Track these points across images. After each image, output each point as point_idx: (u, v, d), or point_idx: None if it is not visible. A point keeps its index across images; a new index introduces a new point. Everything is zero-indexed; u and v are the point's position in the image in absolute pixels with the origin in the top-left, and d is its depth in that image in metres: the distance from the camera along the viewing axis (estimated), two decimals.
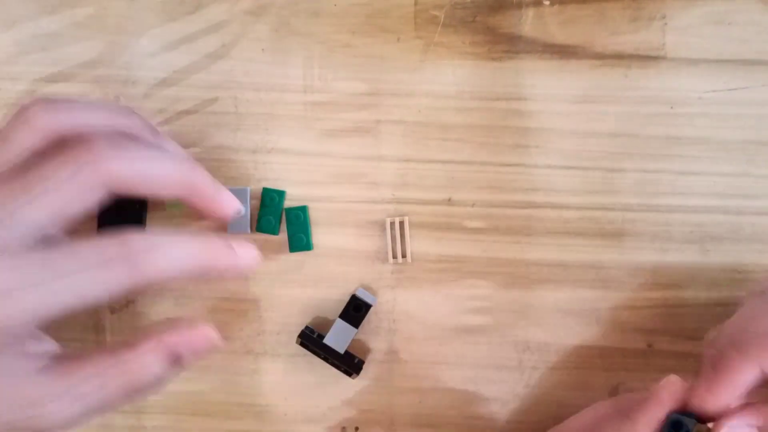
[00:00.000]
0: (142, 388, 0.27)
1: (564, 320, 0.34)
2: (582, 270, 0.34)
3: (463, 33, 0.33)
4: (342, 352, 0.33)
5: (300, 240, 0.34)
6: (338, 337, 0.33)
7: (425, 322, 0.34)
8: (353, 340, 0.33)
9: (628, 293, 0.33)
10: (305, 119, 0.34)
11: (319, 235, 0.34)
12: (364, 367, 0.34)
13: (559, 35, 0.33)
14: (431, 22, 0.34)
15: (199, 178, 0.28)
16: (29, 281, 0.24)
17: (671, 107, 0.33)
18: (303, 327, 0.34)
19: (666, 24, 0.33)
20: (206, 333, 0.28)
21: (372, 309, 0.34)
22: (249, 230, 0.34)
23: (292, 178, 0.34)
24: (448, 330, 0.34)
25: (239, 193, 0.34)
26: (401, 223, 0.33)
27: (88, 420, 0.26)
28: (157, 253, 0.25)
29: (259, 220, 0.34)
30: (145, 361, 0.27)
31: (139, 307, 0.34)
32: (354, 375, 0.33)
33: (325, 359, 0.33)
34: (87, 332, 0.34)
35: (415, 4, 0.34)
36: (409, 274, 0.34)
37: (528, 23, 0.33)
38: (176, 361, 0.27)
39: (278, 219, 0.34)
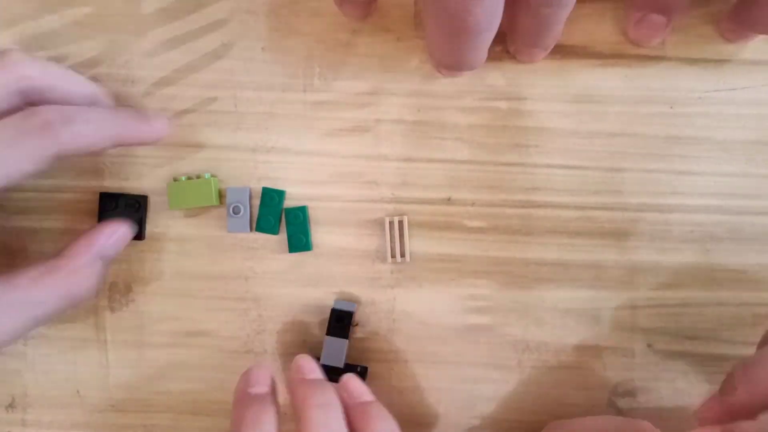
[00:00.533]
0: (80, 296, 0.30)
1: (563, 320, 0.34)
2: (582, 269, 0.34)
3: None
4: (342, 366, 0.33)
5: (299, 240, 0.34)
6: (333, 354, 0.33)
7: (425, 322, 0.34)
8: (352, 346, 0.33)
9: (628, 293, 0.33)
10: (305, 118, 0.34)
11: (319, 235, 0.34)
12: (364, 364, 0.34)
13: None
14: None
15: (127, 121, 0.31)
16: None
17: (671, 107, 0.33)
18: (300, 334, 0.34)
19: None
20: (125, 230, 0.32)
21: (371, 309, 0.34)
22: (249, 230, 0.34)
23: (292, 177, 0.34)
24: (447, 329, 0.34)
25: (239, 193, 0.34)
26: (400, 223, 0.33)
27: (29, 331, 0.28)
28: (73, 123, 0.28)
29: (258, 220, 0.34)
30: (83, 272, 0.30)
31: (140, 306, 0.34)
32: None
33: (329, 379, 0.33)
34: (88, 330, 0.35)
35: (415, 3, 0.34)
36: (408, 274, 0.34)
37: None
38: (104, 262, 0.31)
39: (278, 219, 0.34)
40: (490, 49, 0.31)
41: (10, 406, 0.35)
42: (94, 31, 0.34)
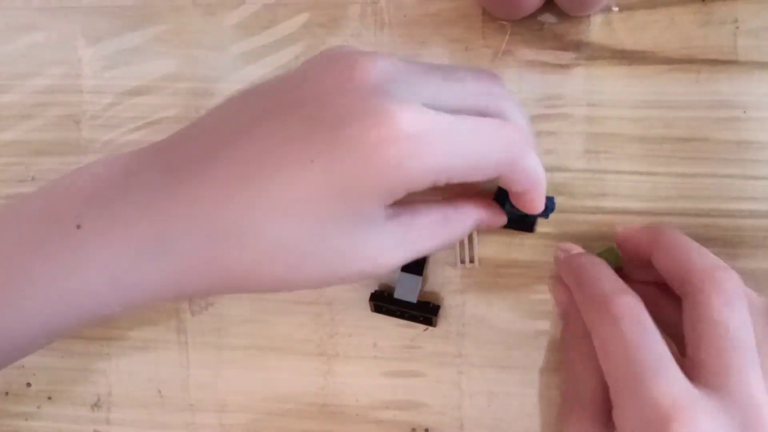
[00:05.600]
0: (450, 245, 0.30)
1: None
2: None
3: (531, 41, 0.34)
4: (414, 301, 0.34)
5: None
6: (407, 289, 0.34)
7: (495, 326, 0.34)
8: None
9: None
10: None
11: None
12: (435, 370, 0.34)
13: (628, 41, 0.33)
14: (499, 31, 0.34)
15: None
16: (438, 138, 0.25)
17: (744, 111, 0.33)
18: (371, 337, 0.35)
19: (738, 27, 0.33)
20: (501, 217, 0.31)
21: (441, 312, 0.34)
22: None
23: None
24: (517, 334, 0.34)
25: None
26: None
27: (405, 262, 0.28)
28: (529, 155, 0.28)
29: None
30: (464, 222, 0.30)
31: (218, 309, 0.36)
32: (434, 320, 0.34)
33: (401, 315, 0.34)
34: (169, 333, 0.36)
35: (483, 13, 0.34)
36: (477, 279, 0.34)
37: (596, 30, 0.34)
38: (477, 227, 0.31)
39: None
40: (557, 54, 0.32)
41: (96, 405, 0.37)
42: (174, 47, 0.36)
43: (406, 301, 0.34)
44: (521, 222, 0.33)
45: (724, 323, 0.26)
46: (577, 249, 0.32)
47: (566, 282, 0.31)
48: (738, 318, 0.26)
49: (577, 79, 0.34)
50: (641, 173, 0.33)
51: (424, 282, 0.34)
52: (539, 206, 0.30)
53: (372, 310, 0.34)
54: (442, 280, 0.35)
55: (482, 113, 0.27)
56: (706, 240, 0.33)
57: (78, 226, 0.25)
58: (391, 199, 0.26)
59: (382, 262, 0.27)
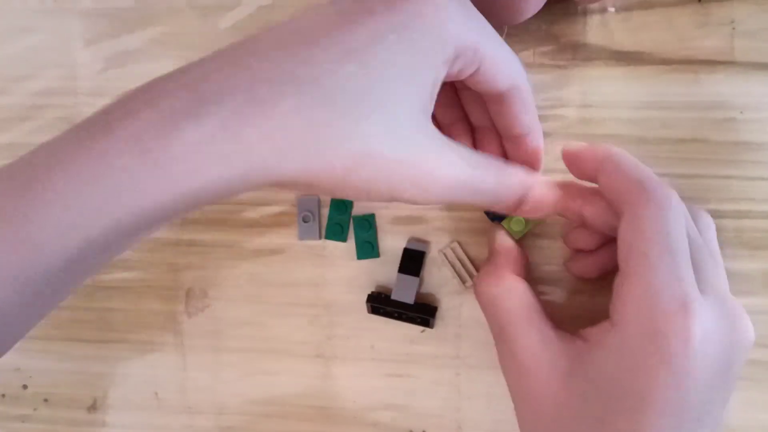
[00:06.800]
0: (494, 196, 0.28)
1: None
2: None
3: (528, 41, 0.34)
4: (412, 302, 0.34)
5: (368, 248, 0.35)
6: (404, 291, 0.34)
7: None
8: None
9: None
10: None
11: (387, 242, 0.35)
12: (433, 372, 0.34)
13: (626, 42, 0.33)
14: None
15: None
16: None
17: (741, 112, 0.33)
18: (369, 339, 0.35)
19: (734, 29, 0.33)
20: (550, 203, 0.30)
21: (438, 314, 0.34)
22: (318, 237, 0.35)
23: None
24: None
25: (309, 202, 0.35)
26: (453, 250, 0.34)
27: (450, 200, 0.27)
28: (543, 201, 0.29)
29: (327, 228, 0.35)
30: (513, 179, 0.29)
31: (216, 312, 0.36)
32: (431, 321, 0.34)
33: (399, 317, 0.34)
34: (166, 335, 0.36)
35: None
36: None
37: (593, 31, 0.33)
38: (518, 203, 0.29)
39: (346, 226, 0.35)
40: (556, 57, 0.32)
41: (92, 407, 0.37)
42: (171, 49, 0.36)
43: (403, 302, 0.33)
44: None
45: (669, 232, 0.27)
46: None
47: (589, 170, 0.30)
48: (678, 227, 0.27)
49: (574, 80, 0.34)
50: None
51: (421, 283, 0.34)
52: (537, 153, 0.31)
53: (369, 312, 0.34)
54: (440, 282, 0.35)
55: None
56: None
57: (106, 113, 0.23)
58: (442, 63, 0.25)
59: (434, 168, 0.25)
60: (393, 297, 0.34)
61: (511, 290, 0.30)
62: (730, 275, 0.33)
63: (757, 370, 0.33)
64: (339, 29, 0.24)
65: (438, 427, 0.35)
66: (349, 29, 0.24)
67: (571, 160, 0.31)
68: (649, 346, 0.26)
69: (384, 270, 0.35)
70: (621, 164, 0.29)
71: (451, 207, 0.34)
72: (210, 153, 0.22)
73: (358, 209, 0.35)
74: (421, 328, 0.35)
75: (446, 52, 0.25)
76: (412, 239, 0.34)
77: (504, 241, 0.32)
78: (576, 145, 0.31)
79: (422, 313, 0.34)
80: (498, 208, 0.30)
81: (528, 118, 0.30)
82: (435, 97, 0.26)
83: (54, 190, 0.21)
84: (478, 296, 0.31)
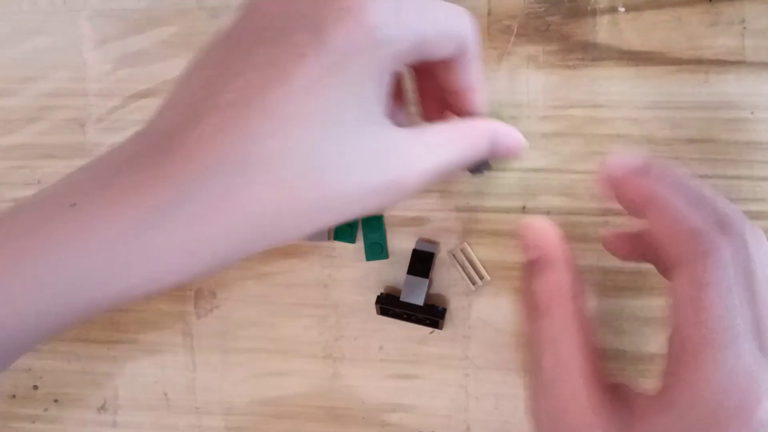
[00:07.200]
0: (469, 159, 0.28)
1: (641, 328, 0.34)
2: (661, 277, 0.33)
3: (537, 42, 0.34)
4: (422, 303, 0.33)
5: (377, 249, 0.34)
6: (413, 292, 0.34)
7: (501, 329, 0.34)
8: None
9: None
10: None
11: (396, 243, 0.35)
12: (441, 372, 0.34)
13: (635, 42, 0.33)
14: (504, 31, 0.34)
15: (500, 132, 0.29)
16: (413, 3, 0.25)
17: (752, 112, 0.33)
18: (377, 340, 0.34)
19: (745, 28, 0.33)
20: (520, 140, 0.30)
21: (447, 315, 0.34)
22: (327, 239, 0.35)
23: None
24: (523, 337, 0.34)
25: None
26: (463, 251, 0.34)
27: (428, 185, 0.26)
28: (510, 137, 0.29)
29: (336, 229, 0.35)
30: (478, 135, 0.28)
31: (224, 312, 0.36)
32: (441, 323, 0.34)
33: (408, 318, 0.34)
34: (176, 336, 0.36)
35: (488, 14, 0.34)
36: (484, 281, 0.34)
37: (603, 30, 0.33)
38: (493, 150, 0.29)
39: (355, 227, 0.35)
40: (564, 55, 0.31)
41: (102, 408, 0.37)
42: (181, 50, 0.36)
43: (412, 303, 0.33)
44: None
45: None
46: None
47: (636, 206, 0.27)
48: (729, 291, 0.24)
49: (583, 80, 0.33)
50: None
51: (430, 284, 0.34)
52: (480, 105, 0.30)
53: (378, 313, 0.34)
54: (449, 283, 0.34)
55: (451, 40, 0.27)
56: None
57: (73, 205, 0.23)
58: (384, 70, 0.25)
59: (404, 167, 0.25)
60: (402, 299, 0.34)
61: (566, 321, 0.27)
62: None
63: None
64: (274, 91, 0.23)
65: (446, 428, 0.35)
66: (283, 91, 0.23)
67: (611, 189, 0.28)
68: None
69: (392, 271, 0.35)
70: (668, 208, 0.25)
71: (459, 208, 0.34)
72: (195, 243, 0.23)
73: None
74: (430, 329, 0.35)
75: (386, 68, 0.25)
76: (420, 240, 0.34)
77: (541, 227, 0.30)
78: (615, 164, 0.28)
79: (432, 314, 0.33)
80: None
81: (473, 78, 0.29)
82: (388, 98, 0.26)
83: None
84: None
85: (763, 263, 0.24)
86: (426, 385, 0.35)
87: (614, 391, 0.26)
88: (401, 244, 0.35)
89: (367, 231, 0.35)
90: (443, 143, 0.27)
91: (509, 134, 0.30)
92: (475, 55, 0.28)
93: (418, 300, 0.33)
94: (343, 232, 0.35)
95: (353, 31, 0.24)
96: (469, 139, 0.28)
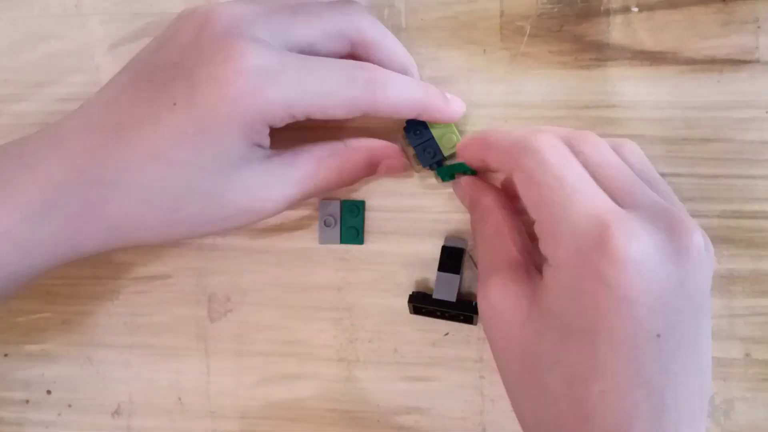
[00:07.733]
0: (345, 180, 0.32)
1: None
2: None
3: (550, 42, 0.34)
4: (454, 299, 0.33)
5: (352, 233, 0.35)
6: (445, 289, 0.33)
7: None
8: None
9: (725, 301, 0.33)
10: (395, 131, 0.35)
11: (410, 245, 0.35)
12: (456, 374, 0.34)
13: (648, 41, 0.33)
14: (517, 32, 0.34)
15: (432, 97, 0.32)
16: (289, 71, 0.28)
17: (766, 111, 0.33)
18: (392, 342, 0.34)
19: (759, 27, 0.33)
20: (401, 158, 0.33)
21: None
22: (339, 241, 0.35)
23: (376, 189, 0.35)
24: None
25: (331, 206, 0.35)
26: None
27: (300, 204, 0.31)
28: (392, 86, 0.30)
29: (342, 233, 0.35)
30: (353, 157, 0.32)
31: (238, 316, 0.36)
32: (475, 318, 0.33)
33: (441, 315, 0.34)
34: (189, 340, 0.36)
35: (501, 15, 0.34)
36: None
37: (616, 30, 0.33)
38: (372, 168, 0.32)
39: (362, 229, 0.35)
40: (577, 55, 0.31)
41: (116, 412, 0.37)
42: None
43: (445, 300, 0.33)
44: (429, 156, 0.33)
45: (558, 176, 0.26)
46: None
47: (477, 154, 0.31)
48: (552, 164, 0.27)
49: (597, 80, 0.33)
50: (663, 175, 0.33)
51: (462, 280, 0.34)
52: (449, 107, 0.32)
53: (411, 312, 0.34)
54: (464, 285, 0.34)
55: (346, 38, 0.30)
56: (729, 241, 0.33)
57: None
58: (254, 132, 0.28)
59: (263, 198, 0.29)
60: (435, 296, 0.33)
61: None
62: (757, 276, 0.33)
63: None
64: (143, 125, 0.28)
65: (462, 430, 0.35)
66: (154, 128, 0.27)
67: (461, 154, 0.32)
68: (584, 278, 0.25)
69: (407, 273, 0.35)
70: (491, 138, 0.30)
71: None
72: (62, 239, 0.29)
73: (374, 212, 0.35)
74: (445, 331, 0.34)
75: (255, 128, 0.28)
76: (450, 236, 0.34)
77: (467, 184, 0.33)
78: (465, 138, 0.32)
79: (465, 310, 0.33)
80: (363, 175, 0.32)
81: (395, 58, 0.32)
82: (266, 137, 0.29)
83: None
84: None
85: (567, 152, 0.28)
86: (441, 388, 0.35)
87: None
88: (416, 246, 0.35)
89: (347, 215, 0.35)
90: (312, 174, 0.30)
91: (389, 156, 0.33)
92: (381, 38, 0.31)
93: (451, 296, 0.33)
94: (350, 235, 0.35)
95: (218, 99, 0.27)
96: (344, 165, 0.31)
